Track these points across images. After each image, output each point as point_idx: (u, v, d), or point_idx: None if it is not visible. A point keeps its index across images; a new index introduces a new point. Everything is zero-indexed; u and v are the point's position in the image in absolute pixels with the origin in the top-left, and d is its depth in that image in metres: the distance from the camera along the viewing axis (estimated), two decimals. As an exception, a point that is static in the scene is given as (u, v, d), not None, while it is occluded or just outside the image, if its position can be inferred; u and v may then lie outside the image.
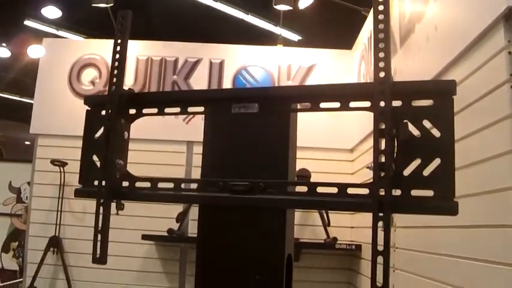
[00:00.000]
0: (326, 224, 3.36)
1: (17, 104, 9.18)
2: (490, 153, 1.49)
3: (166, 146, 3.61)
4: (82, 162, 1.17)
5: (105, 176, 1.11)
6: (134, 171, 1.15)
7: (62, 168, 3.60)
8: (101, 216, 1.10)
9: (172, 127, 3.58)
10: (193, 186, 1.08)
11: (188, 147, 3.63)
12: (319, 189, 0.98)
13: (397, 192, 0.94)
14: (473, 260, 1.55)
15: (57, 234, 3.59)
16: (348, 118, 3.33)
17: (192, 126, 3.58)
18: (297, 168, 3.30)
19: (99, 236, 1.08)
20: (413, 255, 2.13)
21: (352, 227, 3.47)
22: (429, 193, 0.93)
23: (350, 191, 0.97)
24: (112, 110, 1.12)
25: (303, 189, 1.00)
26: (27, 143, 3.54)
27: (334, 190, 0.98)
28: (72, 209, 3.63)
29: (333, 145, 3.59)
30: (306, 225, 3.52)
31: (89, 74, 3.82)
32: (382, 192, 0.93)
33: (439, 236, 1.85)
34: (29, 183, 4.01)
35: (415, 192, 0.94)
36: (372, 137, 0.94)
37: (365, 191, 0.96)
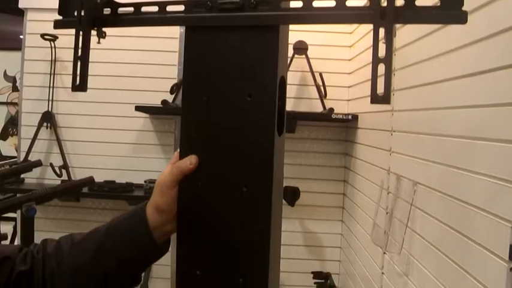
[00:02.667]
0: (322, 96, 3.30)
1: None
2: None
3: None
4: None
5: (84, 2, 1.02)
6: None
7: (52, 43, 3.50)
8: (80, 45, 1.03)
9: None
10: (180, 9, 0.99)
11: None
12: (316, 4, 0.90)
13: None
14: (479, 106, 1.49)
15: (50, 110, 3.54)
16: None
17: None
18: (293, 41, 3.25)
19: (78, 63, 1.00)
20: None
21: (349, 100, 3.42)
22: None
23: (349, 3, 0.89)
24: None
25: (298, 5, 0.92)
26: (21, 36, 3.44)
27: (332, 4, 0.90)
28: (64, 84, 3.56)
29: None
30: (302, 98, 3.46)
31: None
32: (384, 4, 0.86)
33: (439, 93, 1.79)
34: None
35: (419, 3, 0.86)
36: None
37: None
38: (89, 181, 2.65)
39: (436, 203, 1.74)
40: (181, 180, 0.99)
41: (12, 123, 6.89)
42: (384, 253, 2.32)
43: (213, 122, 0.97)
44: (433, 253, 1.72)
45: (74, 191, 2.76)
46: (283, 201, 3.22)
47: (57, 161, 3.47)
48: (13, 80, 7.42)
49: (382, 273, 2.35)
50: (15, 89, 7.37)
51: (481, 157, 1.45)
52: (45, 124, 3.55)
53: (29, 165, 2.91)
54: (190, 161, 0.98)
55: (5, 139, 7.22)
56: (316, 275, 3.10)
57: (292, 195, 3.26)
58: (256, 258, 0.94)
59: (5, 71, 7.44)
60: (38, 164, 2.95)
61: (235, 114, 0.95)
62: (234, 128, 0.95)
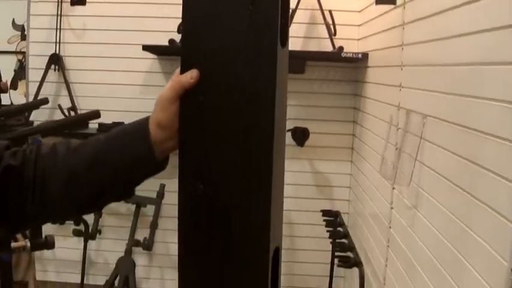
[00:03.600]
0: (332, 34, 3.25)
1: None
2: None
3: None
4: None
5: None
6: None
7: (59, -17, 3.45)
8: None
9: None
10: None
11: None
12: None
13: None
14: (486, 31, 1.45)
15: (57, 52, 3.52)
16: None
17: None
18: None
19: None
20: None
21: (358, 39, 3.37)
22: None
23: None
24: None
25: None
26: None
27: None
28: (71, 26, 3.52)
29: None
30: (311, 38, 3.41)
31: None
32: None
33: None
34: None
35: None
36: None
37: None
38: (95, 114, 2.63)
39: (445, 133, 1.73)
40: (182, 95, 0.97)
41: (20, 67, 6.85)
42: (393, 188, 2.32)
43: (214, 34, 0.94)
44: (443, 183, 1.71)
45: (80, 124, 2.75)
46: (293, 141, 3.22)
47: (66, 104, 3.46)
48: (21, 28, 7.37)
49: (391, 208, 2.35)
50: (24, 37, 7.33)
51: (489, 82, 1.42)
52: (52, 67, 3.53)
53: (36, 103, 2.89)
54: (191, 75, 0.96)
55: (15, 88, 7.21)
56: (326, 213, 3.11)
57: (301, 135, 3.25)
58: (259, 168, 0.93)
59: (13, 20, 7.39)
60: (45, 101, 2.93)
61: (237, 24, 0.92)
62: (236, 40, 0.93)
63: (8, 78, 7.44)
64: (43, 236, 2.04)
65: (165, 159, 1.04)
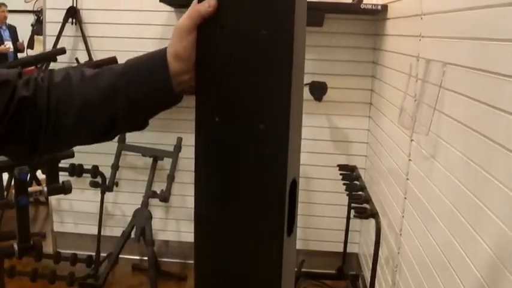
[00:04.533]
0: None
1: None
2: None
3: None
4: None
5: None
6: None
7: None
8: None
9: None
10: None
11: None
12: None
13: None
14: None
15: (74, 5, 3.50)
16: None
17: None
18: None
19: None
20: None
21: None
22: None
23: None
24: None
25: None
26: None
27: None
28: (88, -22, 3.50)
29: None
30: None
31: None
32: None
33: None
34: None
35: None
36: None
37: None
38: (112, 60, 2.61)
39: (465, 79, 1.70)
40: (200, 24, 0.95)
41: (38, 21, 6.81)
42: (411, 140, 2.31)
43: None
44: (462, 131, 1.69)
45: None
46: (310, 96, 3.20)
47: (83, 58, 3.46)
48: (39, -14, 7.35)
49: (409, 160, 2.33)
50: (40, -4, 7.30)
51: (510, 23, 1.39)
52: (70, 20, 3.51)
53: (53, 52, 2.88)
54: (209, 3, 0.93)
55: (32, 48, 7.20)
56: (342, 167, 3.10)
57: (319, 90, 3.23)
58: (277, 104, 0.92)
59: (29, -23, 7.37)
60: (62, 51, 2.91)
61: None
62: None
63: (24, 38, 7.47)
64: (60, 181, 2.05)
65: (181, 92, 1.02)
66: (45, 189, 1.98)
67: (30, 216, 2.05)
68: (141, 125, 1.02)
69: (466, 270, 1.58)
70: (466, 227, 1.61)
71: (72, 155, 2.03)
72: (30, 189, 1.88)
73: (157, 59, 0.98)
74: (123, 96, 0.96)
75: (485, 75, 1.52)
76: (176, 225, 3.67)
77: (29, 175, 1.85)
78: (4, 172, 2.60)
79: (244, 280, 0.98)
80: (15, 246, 1.86)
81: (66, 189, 2.04)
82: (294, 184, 0.98)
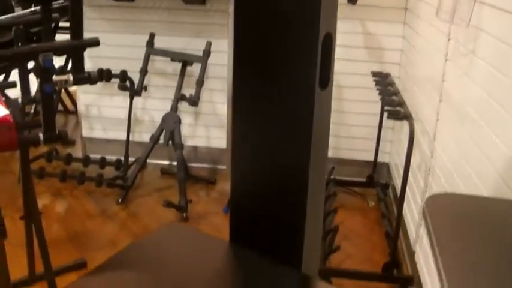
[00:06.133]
0: None
1: None
2: None
3: None
4: None
5: None
6: None
7: None
8: None
9: None
10: None
11: None
12: None
13: None
14: None
15: None
16: None
17: None
18: None
19: None
20: None
21: None
22: None
23: None
24: None
25: None
26: None
27: None
28: None
29: None
30: None
31: None
32: None
33: None
34: None
35: None
36: None
37: None
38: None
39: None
40: None
41: None
42: (449, 40, 2.21)
43: None
44: (505, 16, 1.59)
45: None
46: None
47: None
48: None
49: (446, 60, 2.24)
50: None
51: None
52: None
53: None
54: None
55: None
56: (376, 74, 3.01)
57: (354, -8, 3.10)
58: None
59: None
60: None
61: None
62: None
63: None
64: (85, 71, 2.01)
65: None
66: (71, 78, 1.94)
67: (59, 124, 2.02)
68: None
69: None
70: (508, 123, 1.53)
71: (97, 43, 1.98)
72: (55, 78, 1.84)
73: None
74: None
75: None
76: (205, 131, 3.64)
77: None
78: (29, 60, 2.59)
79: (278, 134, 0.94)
80: (41, 135, 1.84)
81: (91, 79, 2.00)
82: (329, 38, 0.91)
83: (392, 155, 3.44)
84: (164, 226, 1.62)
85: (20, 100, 2.74)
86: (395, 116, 2.42)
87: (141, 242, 1.42)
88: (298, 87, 0.89)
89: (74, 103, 4.55)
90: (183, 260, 1.27)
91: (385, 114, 2.54)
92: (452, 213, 0.91)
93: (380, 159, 3.44)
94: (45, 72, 1.79)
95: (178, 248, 1.33)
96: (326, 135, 1.05)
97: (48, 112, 1.84)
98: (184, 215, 3.06)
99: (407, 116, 2.40)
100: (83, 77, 1.97)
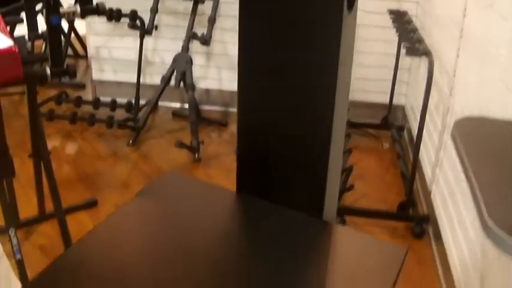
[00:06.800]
0: None
1: None
2: None
3: None
4: None
5: None
6: None
7: None
8: None
9: None
10: None
11: None
12: None
13: None
14: None
15: None
16: None
17: None
18: None
19: None
20: None
21: None
22: None
23: None
24: None
25: None
26: None
27: None
28: None
29: None
30: None
31: None
32: None
33: None
34: None
35: None
36: None
37: None
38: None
39: None
40: None
41: None
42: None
43: None
44: None
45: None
46: None
47: None
48: None
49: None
50: None
51: None
52: None
53: None
54: None
55: None
56: (393, 12, 2.92)
57: None
58: None
59: None
60: None
61: None
62: None
63: None
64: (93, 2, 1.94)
65: None
66: (78, 9, 1.87)
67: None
68: None
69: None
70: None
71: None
72: (62, 9, 1.78)
73: None
74: None
75: None
76: (217, 73, 3.57)
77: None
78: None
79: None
80: (48, 69, 1.78)
81: (100, 10, 1.93)
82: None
83: (408, 96, 3.37)
84: (167, 175, 1.57)
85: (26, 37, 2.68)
86: (414, 52, 2.34)
87: (145, 193, 1.38)
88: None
89: (84, 47, 4.47)
90: (190, 210, 1.24)
91: (402, 53, 2.46)
92: (481, 135, 0.86)
93: (395, 101, 3.37)
94: (51, 3, 1.73)
95: (183, 199, 1.29)
96: (350, 61, 0.99)
97: (55, 45, 1.79)
98: (197, 155, 3.03)
99: (426, 52, 2.32)
100: (90, 8, 1.90)
